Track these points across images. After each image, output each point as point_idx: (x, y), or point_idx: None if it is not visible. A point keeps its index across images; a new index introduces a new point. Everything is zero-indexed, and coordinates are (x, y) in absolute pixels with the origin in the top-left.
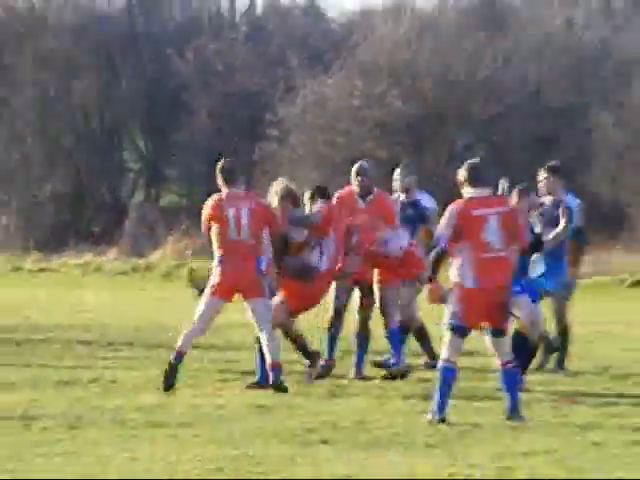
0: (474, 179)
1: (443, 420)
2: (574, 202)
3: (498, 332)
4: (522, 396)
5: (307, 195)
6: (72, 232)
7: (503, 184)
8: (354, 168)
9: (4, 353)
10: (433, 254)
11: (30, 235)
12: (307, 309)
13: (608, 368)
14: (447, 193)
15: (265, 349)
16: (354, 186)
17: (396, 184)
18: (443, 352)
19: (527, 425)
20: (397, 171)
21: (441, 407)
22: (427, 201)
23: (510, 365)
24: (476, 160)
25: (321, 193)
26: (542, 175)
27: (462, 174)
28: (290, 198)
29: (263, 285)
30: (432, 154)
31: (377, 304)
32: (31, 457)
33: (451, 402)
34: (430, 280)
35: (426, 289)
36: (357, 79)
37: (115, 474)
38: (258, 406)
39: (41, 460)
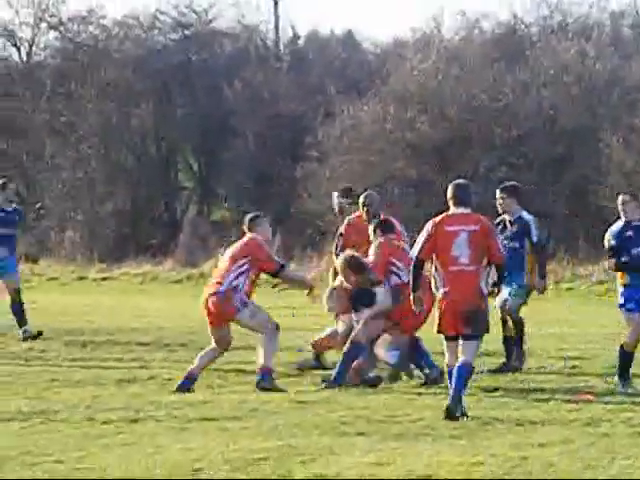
0: (457, 198)
1: (465, 414)
2: (529, 218)
3: (466, 337)
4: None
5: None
6: (132, 245)
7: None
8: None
9: (70, 354)
10: (411, 268)
11: (94, 247)
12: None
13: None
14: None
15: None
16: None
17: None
18: (446, 357)
19: (543, 418)
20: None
21: (457, 400)
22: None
23: (466, 366)
24: (462, 181)
25: (382, 228)
26: (498, 195)
27: (449, 192)
28: (350, 269)
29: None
30: (457, 175)
31: None
32: (95, 448)
33: (474, 397)
34: (413, 291)
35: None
36: (389, 105)
37: (171, 463)
38: (299, 401)
39: (104, 450)
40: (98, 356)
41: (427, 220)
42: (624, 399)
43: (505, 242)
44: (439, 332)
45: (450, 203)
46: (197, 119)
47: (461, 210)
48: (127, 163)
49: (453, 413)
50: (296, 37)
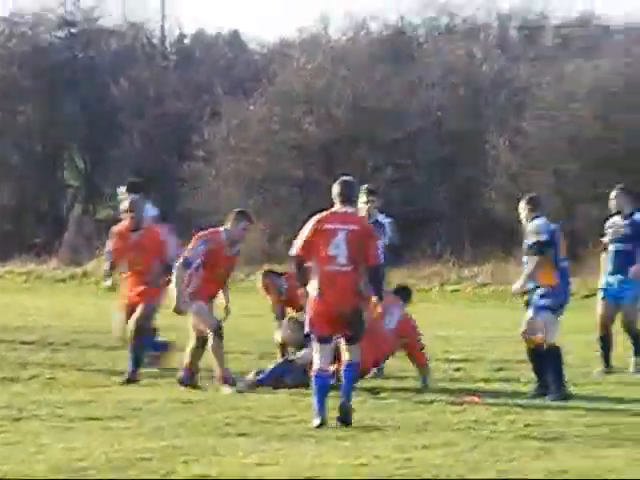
0: (344, 196)
1: (324, 423)
2: (386, 220)
3: (347, 339)
4: (424, 396)
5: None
6: (16, 243)
7: None
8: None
9: None
10: (294, 266)
11: None
12: None
13: (502, 369)
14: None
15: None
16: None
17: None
18: (315, 362)
19: (427, 420)
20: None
21: (321, 411)
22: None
23: (352, 362)
24: (349, 178)
25: None
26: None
27: (335, 189)
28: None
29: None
30: (344, 175)
31: None
32: None
33: (359, 399)
34: (302, 285)
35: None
36: (276, 105)
37: (54, 462)
38: (183, 402)
39: None
40: None
41: None
42: (507, 401)
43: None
44: (310, 333)
45: (336, 200)
46: (83, 117)
47: (345, 209)
48: (12, 160)
49: (348, 416)
50: (183, 36)
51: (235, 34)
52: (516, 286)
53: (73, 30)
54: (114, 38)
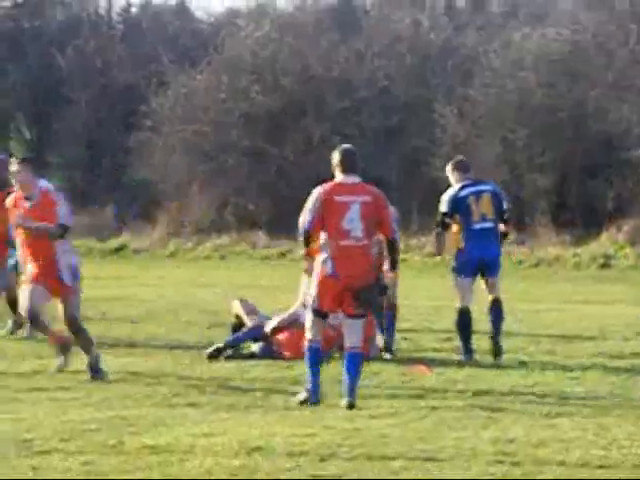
0: (345, 164)
1: (318, 401)
2: None
3: (350, 317)
4: (372, 366)
5: None
6: None
7: None
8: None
9: None
10: (302, 243)
11: None
12: None
13: (451, 339)
14: (305, 180)
15: None
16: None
17: None
18: (307, 332)
19: (376, 392)
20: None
21: (315, 387)
22: None
23: (354, 350)
24: (349, 146)
25: None
26: None
27: (335, 158)
28: None
29: None
30: (292, 144)
31: None
32: None
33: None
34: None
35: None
36: (223, 75)
37: (1, 434)
38: (131, 372)
39: None
40: None
41: (260, 190)
42: (456, 371)
43: None
44: (317, 308)
45: (337, 170)
46: (29, 87)
47: (352, 179)
48: None
49: (353, 406)
50: (129, 5)
51: (182, 3)
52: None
53: (19, 0)
54: (60, 8)
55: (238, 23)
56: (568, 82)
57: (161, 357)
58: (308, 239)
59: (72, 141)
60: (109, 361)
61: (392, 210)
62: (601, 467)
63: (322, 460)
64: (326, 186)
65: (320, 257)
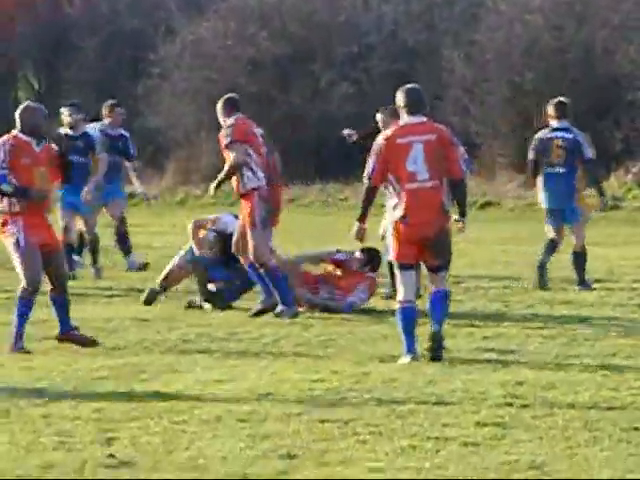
0: (409, 104)
1: (416, 358)
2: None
3: (432, 270)
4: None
5: None
6: None
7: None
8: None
9: None
10: (363, 192)
11: None
12: None
13: (460, 283)
14: (312, 125)
15: None
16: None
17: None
18: (398, 292)
19: (385, 333)
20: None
21: (410, 347)
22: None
23: (440, 291)
24: (413, 85)
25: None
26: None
27: (398, 98)
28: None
29: None
30: (299, 90)
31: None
32: None
33: (316, 316)
34: (359, 221)
35: (354, 227)
36: (230, 21)
37: (12, 382)
38: (141, 319)
39: None
40: None
41: (267, 136)
42: (466, 314)
43: None
44: (397, 260)
45: (403, 112)
46: (36, 36)
47: (416, 119)
48: None
49: (439, 349)
50: None
51: None
52: None
53: None
54: None
55: None
56: (575, 24)
57: (172, 304)
58: (368, 193)
59: (80, 89)
60: (120, 309)
61: (460, 149)
62: (610, 408)
63: (331, 405)
64: (388, 130)
65: (390, 203)
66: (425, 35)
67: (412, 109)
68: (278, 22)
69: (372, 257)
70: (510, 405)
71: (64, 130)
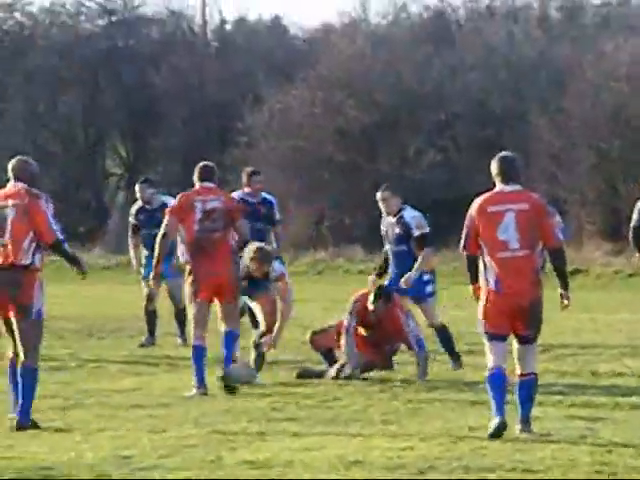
0: (503, 173)
1: (504, 424)
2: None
3: (521, 341)
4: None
5: None
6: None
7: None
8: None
9: None
10: (466, 262)
11: None
12: None
13: (547, 350)
14: (400, 193)
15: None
16: None
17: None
18: (488, 360)
19: (474, 400)
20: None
21: (499, 412)
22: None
23: (529, 377)
24: (507, 153)
25: None
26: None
27: (493, 167)
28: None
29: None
30: (386, 158)
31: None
32: (25, 436)
33: (406, 383)
34: (472, 283)
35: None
36: (317, 90)
37: (101, 451)
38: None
39: (34, 439)
40: None
41: (355, 205)
42: (555, 381)
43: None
44: (488, 331)
45: (497, 180)
46: (125, 105)
47: (510, 187)
48: (55, 149)
49: (529, 432)
50: (224, 22)
51: (276, 19)
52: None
53: (113, 18)
54: (155, 26)
55: (332, 39)
56: None
57: (259, 372)
58: (469, 263)
59: (167, 158)
60: (208, 376)
61: (556, 217)
62: None
63: (420, 473)
64: (480, 198)
65: (483, 275)
66: (512, 102)
67: (506, 178)
68: (365, 91)
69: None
70: (599, 473)
71: (140, 204)
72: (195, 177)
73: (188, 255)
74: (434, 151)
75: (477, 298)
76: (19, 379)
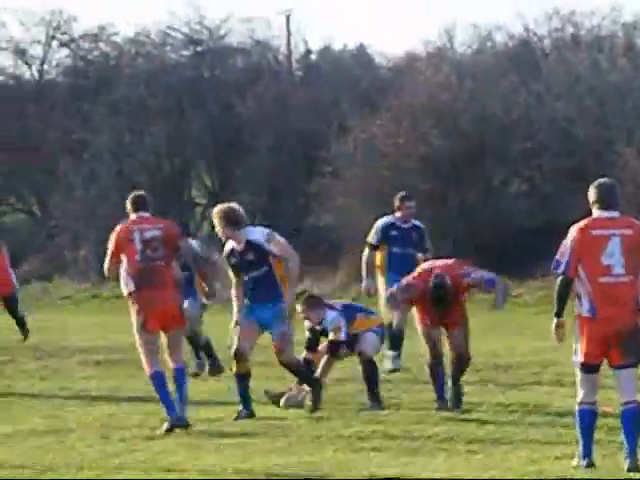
0: (603, 200)
1: (591, 464)
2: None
3: (619, 367)
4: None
5: None
6: None
7: None
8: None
9: (85, 371)
10: (557, 284)
11: None
12: None
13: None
14: (486, 223)
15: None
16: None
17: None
18: (578, 393)
19: (562, 431)
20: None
21: (586, 451)
22: None
23: (632, 405)
24: (606, 180)
25: None
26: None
27: (591, 194)
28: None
29: None
30: (471, 187)
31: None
32: (110, 466)
33: (490, 412)
34: (557, 315)
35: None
36: (402, 119)
37: None
38: (315, 417)
39: (119, 469)
40: (113, 374)
41: (441, 234)
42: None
43: None
44: (583, 361)
45: (594, 207)
46: (210, 135)
47: (609, 214)
48: (140, 180)
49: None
50: (309, 52)
51: (361, 48)
52: None
53: (199, 48)
54: (240, 56)
55: (417, 67)
56: None
57: (345, 400)
58: (564, 287)
59: (253, 187)
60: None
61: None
62: None
63: None
64: (582, 222)
65: (577, 301)
66: (597, 131)
67: (605, 204)
68: (450, 120)
69: None
70: None
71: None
72: (129, 208)
73: (132, 285)
74: (520, 180)
75: (559, 337)
76: None
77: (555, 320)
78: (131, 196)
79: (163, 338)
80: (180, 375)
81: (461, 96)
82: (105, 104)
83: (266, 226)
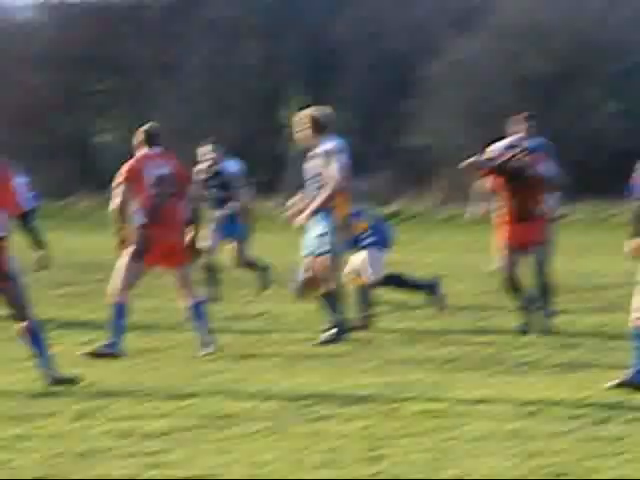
0: None
1: None
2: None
3: None
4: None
5: None
6: None
7: None
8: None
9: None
10: (634, 208)
11: None
12: None
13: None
14: (582, 142)
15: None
16: None
17: None
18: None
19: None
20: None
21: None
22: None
23: None
24: None
25: None
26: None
27: None
28: None
29: None
30: (562, 108)
31: None
32: (203, 385)
33: (582, 335)
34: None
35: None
36: (496, 39)
37: (281, 398)
38: (409, 336)
39: (212, 387)
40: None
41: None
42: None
43: None
44: None
45: None
46: (305, 54)
47: None
48: (233, 100)
49: None
50: None
51: None
52: None
53: None
54: None
55: None
56: None
57: (443, 320)
58: None
59: (347, 108)
60: (387, 323)
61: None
62: None
63: (601, 422)
64: None
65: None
66: None
67: None
68: (544, 40)
69: None
70: None
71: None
72: (142, 140)
73: (143, 219)
74: (614, 101)
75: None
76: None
77: (634, 241)
78: (145, 129)
79: (171, 277)
80: (198, 308)
81: (555, 16)
82: (199, 24)
83: (360, 146)
